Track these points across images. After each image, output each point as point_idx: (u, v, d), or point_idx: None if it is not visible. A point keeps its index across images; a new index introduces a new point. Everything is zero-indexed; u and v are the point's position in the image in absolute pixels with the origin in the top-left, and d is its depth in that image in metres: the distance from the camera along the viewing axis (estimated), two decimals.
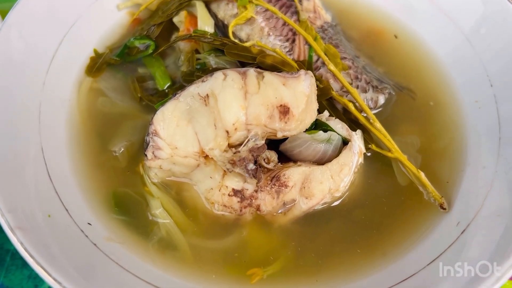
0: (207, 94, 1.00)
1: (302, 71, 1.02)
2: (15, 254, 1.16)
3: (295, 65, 1.15)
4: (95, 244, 0.94)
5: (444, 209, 1.06)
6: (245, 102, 0.98)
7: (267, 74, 1.01)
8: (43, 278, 0.83)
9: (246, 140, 0.98)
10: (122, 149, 1.12)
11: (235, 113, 0.97)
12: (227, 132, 0.98)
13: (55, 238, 0.91)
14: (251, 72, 1.01)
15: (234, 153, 0.98)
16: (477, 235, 0.96)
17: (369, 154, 1.13)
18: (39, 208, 0.93)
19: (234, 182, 1.00)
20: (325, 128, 1.05)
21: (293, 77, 1.00)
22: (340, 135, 1.05)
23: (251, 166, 0.96)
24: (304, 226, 1.05)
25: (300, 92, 0.99)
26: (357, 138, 1.06)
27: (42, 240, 0.87)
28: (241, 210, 1.02)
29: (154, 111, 1.14)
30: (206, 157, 1.01)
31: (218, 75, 1.01)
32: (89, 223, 0.99)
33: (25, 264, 1.11)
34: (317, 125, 1.06)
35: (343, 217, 1.06)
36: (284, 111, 0.98)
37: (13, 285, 1.10)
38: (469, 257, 0.91)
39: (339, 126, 1.06)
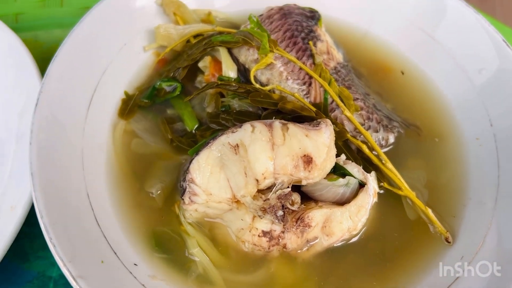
0: (237, 144, 1.11)
1: (323, 124, 1.12)
2: (58, 280, 1.28)
3: (313, 109, 1.25)
4: (143, 285, 1.05)
5: (449, 242, 1.18)
6: (273, 154, 1.09)
7: (291, 126, 1.11)
8: None
9: (275, 188, 1.10)
10: (159, 191, 1.21)
11: (264, 164, 1.08)
12: (257, 180, 1.09)
13: (109, 282, 1.02)
14: (277, 124, 1.11)
15: (264, 200, 1.09)
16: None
17: (382, 191, 1.24)
18: (93, 256, 1.03)
19: (263, 225, 1.11)
20: (343, 172, 1.17)
21: (315, 129, 1.11)
22: (357, 179, 1.16)
23: (280, 213, 1.08)
24: (325, 261, 1.16)
25: (321, 143, 1.10)
26: (371, 181, 1.18)
27: (100, 285, 0.98)
28: (269, 248, 1.13)
29: (185, 152, 1.26)
30: (238, 202, 1.13)
31: (247, 127, 1.11)
32: (135, 264, 1.10)
33: None
34: (336, 168, 1.17)
35: (360, 251, 1.18)
36: (308, 160, 1.09)
37: None
38: None
39: (355, 170, 1.17)
